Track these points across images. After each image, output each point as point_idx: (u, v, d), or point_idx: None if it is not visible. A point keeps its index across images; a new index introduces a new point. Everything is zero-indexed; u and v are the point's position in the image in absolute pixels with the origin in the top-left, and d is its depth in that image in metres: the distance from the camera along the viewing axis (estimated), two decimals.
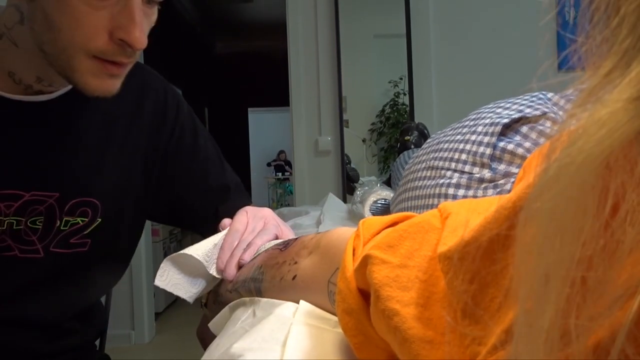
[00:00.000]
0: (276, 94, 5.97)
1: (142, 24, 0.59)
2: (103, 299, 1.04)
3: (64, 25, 0.57)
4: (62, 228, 0.71)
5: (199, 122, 0.86)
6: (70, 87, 0.70)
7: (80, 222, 0.71)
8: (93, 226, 0.73)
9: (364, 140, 2.68)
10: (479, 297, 0.21)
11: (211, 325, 0.59)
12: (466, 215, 0.27)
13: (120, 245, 0.80)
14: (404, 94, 2.60)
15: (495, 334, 0.20)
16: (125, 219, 0.78)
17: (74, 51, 0.59)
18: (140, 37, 0.58)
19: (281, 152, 8.37)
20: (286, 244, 0.56)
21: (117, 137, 0.75)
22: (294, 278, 0.49)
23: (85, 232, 0.72)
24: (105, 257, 0.77)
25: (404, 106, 2.61)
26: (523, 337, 0.16)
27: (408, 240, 0.29)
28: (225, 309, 0.57)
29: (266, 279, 0.54)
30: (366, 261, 0.30)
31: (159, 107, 0.79)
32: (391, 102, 2.67)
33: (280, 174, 8.17)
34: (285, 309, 0.46)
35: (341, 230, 0.48)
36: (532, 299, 0.15)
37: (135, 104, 0.77)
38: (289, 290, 0.49)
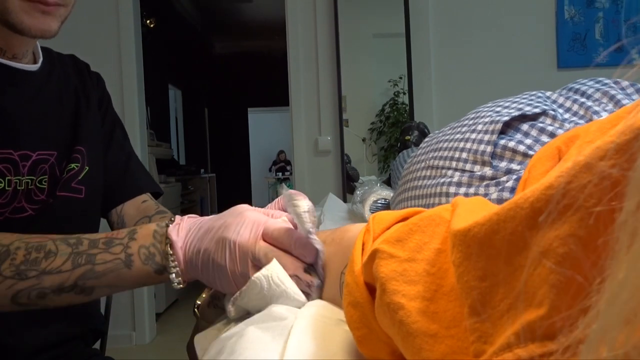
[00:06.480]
0: (276, 93, 5.97)
1: None
2: (102, 302, 1.05)
3: None
4: (63, 176, 0.81)
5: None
6: (41, 59, 0.81)
7: (74, 167, 0.82)
8: (84, 173, 0.83)
9: (363, 140, 2.68)
10: (488, 295, 0.21)
11: (197, 338, 0.52)
12: (477, 210, 0.26)
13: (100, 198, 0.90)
14: (404, 93, 2.60)
15: (503, 335, 0.20)
16: (101, 169, 0.89)
17: None
18: None
19: (281, 152, 8.36)
20: None
21: (82, 98, 0.88)
22: None
23: (79, 178, 0.83)
24: (95, 207, 0.88)
25: (404, 105, 2.61)
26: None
27: (418, 233, 0.29)
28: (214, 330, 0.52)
29: None
30: (374, 255, 0.30)
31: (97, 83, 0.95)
32: (391, 102, 2.67)
33: (280, 173, 8.18)
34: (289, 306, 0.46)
35: (356, 225, 0.48)
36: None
37: (83, 78, 0.91)
38: None
